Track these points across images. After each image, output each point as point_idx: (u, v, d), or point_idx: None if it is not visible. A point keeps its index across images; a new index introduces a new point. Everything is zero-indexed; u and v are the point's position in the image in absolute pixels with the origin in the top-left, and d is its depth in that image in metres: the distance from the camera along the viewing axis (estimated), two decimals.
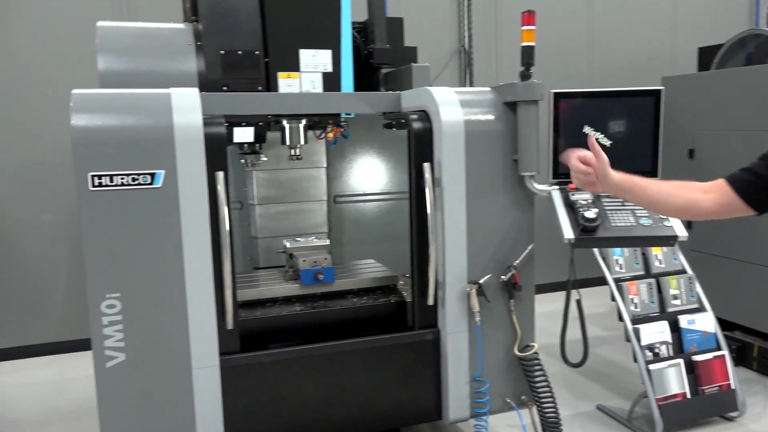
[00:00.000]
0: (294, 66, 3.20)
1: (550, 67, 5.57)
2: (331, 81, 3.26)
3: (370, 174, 4.09)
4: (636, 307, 3.66)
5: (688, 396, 3.51)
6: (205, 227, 2.60)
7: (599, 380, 4.25)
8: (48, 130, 4.87)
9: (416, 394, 3.08)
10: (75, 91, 2.55)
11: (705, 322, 3.69)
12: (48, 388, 4.39)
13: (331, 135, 3.44)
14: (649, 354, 3.53)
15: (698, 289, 3.81)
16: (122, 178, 2.48)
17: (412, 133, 2.92)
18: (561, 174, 2.91)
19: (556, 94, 2.86)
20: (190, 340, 2.62)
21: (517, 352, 3.07)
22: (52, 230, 4.96)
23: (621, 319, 3.62)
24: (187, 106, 2.58)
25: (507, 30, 6.05)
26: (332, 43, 3.24)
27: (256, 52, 3.14)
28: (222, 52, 3.10)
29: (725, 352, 3.64)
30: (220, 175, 2.60)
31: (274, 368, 2.83)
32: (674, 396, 3.48)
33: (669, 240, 2.70)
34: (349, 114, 3.30)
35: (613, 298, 3.67)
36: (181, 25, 3.25)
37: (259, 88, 3.15)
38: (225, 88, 3.10)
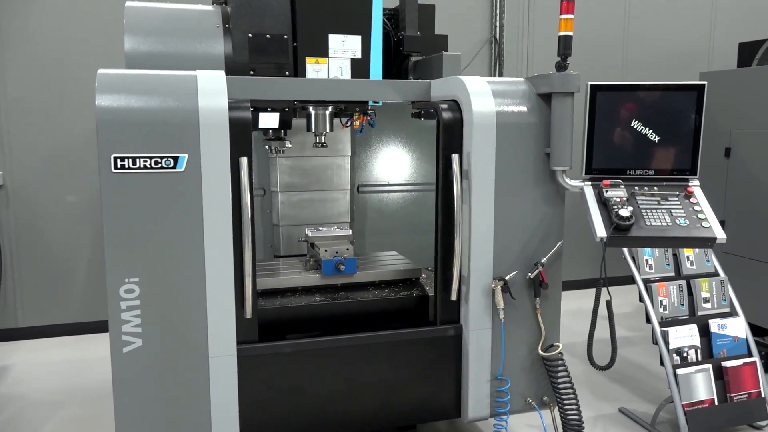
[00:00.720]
0: (322, 51, 3.14)
1: (582, 60, 5.43)
2: (360, 68, 3.19)
3: (395, 164, 4.02)
4: (665, 309, 3.55)
5: (716, 403, 3.41)
6: (227, 214, 2.55)
7: (622, 382, 4.16)
8: (74, 112, 4.87)
9: (435, 391, 3.02)
10: (101, 71, 2.51)
11: (736, 327, 3.58)
12: (67, 369, 4.40)
13: (357, 123, 3.38)
14: (677, 358, 3.43)
15: (730, 292, 3.70)
16: (145, 161, 2.44)
17: (442, 123, 2.85)
18: (594, 170, 2.80)
19: (592, 86, 2.75)
20: (208, 327, 2.58)
21: (541, 352, 3.00)
22: (76, 212, 4.97)
23: (649, 320, 3.52)
24: (213, 89, 2.53)
25: (540, 21, 5.92)
26: (362, 28, 3.18)
27: (285, 36, 3.08)
28: (250, 35, 3.06)
29: (756, 358, 3.52)
30: (244, 160, 2.54)
31: (292, 359, 2.79)
32: (701, 402, 3.38)
33: (707, 242, 2.58)
34: (377, 102, 3.23)
35: (641, 299, 3.57)
36: (209, 7, 3.21)
37: (287, 73, 3.11)
38: (252, 72, 3.07)
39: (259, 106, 2.91)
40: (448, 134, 2.85)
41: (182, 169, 2.48)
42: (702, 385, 3.39)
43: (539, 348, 3.00)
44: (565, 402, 2.99)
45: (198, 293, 2.56)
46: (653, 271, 3.66)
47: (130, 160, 2.43)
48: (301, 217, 3.74)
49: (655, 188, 2.78)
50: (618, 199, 2.67)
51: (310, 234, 3.25)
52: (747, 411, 3.47)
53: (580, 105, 2.81)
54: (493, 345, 2.95)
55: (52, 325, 5.01)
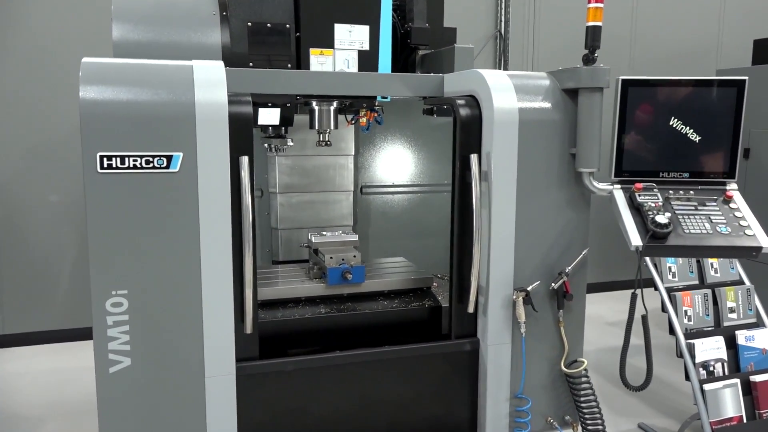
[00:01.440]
0: (327, 42, 2.93)
1: None
2: (368, 60, 2.98)
3: (401, 164, 3.81)
4: (689, 320, 3.35)
5: (744, 420, 3.21)
6: (226, 218, 2.33)
7: (641, 396, 3.95)
8: (58, 105, 4.64)
9: (450, 410, 2.80)
10: (85, 59, 2.28)
11: (764, 339, 3.38)
12: (51, 379, 4.18)
13: (364, 120, 3.16)
14: (703, 372, 3.22)
15: (757, 302, 3.50)
16: (135, 161, 2.21)
17: (459, 121, 2.62)
18: (624, 172, 2.59)
19: (624, 81, 2.53)
20: (204, 344, 2.36)
21: (564, 368, 2.78)
22: (58, 212, 4.74)
23: (672, 332, 3.31)
24: (211, 81, 2.30)
25: (546, 17, 5.71)
26: (370, 18, 2.97)
27: (287, 26, 2.90)
28: (249, 24, 2.87)
29: None
30: (245, 160, 2.32)
31: (296, 377, 2.56)
32: (729, 420, 3.18)
33: (751, 251, 2.38)
34: (386, 97, 3.02)
35: (664, 309, 3.36)
36: None
37: (289, 65, 2.91)
38: (250, 64, 2.87)
39: (259, 101, 2.71)
40: (465, 132, 2.64)
41: (176, 170, 2.25)
42: (730, 401, 3.19)
43: (561, 364, 2.79)
44: (588, 422, 2.79)
45: (193, 307, 2.33)
46: (676, 279, 3.45)
47: (118, 159, 2.20)
48: (301, 219, 3.51)
49: (691, 192, 2.57)
50: (653, 204, 2.45)
51: (313, 239, 3.02)
52: None
53: (606, 102, 2.60)
54: (513, 361, 2.74)
55: (35, 332, 4.77)
